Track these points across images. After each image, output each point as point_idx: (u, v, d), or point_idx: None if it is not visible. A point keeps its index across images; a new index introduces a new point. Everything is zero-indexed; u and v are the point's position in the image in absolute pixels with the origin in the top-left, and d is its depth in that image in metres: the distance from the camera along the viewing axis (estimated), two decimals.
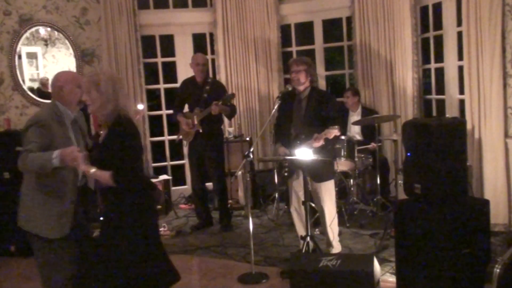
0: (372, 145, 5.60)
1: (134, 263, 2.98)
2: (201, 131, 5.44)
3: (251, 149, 4.33)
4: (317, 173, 4.18)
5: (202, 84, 5.51)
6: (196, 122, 5.42)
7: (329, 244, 4.38)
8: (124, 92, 3.16)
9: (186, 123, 5.49)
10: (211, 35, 6.94)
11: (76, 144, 3.12)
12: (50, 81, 6.41)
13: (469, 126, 4.83)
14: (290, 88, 4.40)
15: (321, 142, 4.02)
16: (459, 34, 5.29)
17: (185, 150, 6.73)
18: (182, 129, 5.62)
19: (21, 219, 3.11)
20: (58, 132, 3.04)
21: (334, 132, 3.98)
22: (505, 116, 4.76)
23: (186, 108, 5.77)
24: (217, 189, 5.64)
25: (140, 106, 5.86)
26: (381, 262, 4.11)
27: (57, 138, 3.01)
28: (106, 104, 2.96)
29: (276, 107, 4.39)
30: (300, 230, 4.40)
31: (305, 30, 7.51)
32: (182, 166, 7.18)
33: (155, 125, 7.28)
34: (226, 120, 6.68)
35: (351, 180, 5.71)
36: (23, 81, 6.29)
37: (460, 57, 5.35)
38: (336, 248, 4.40)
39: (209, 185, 5.91)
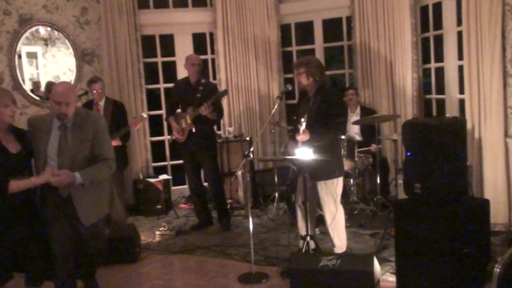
0: (373, 146, 5.60)
1: None
2: (194, 130, 5.44)
3: (251, 149, 4.33)
4: (315, 171, 4.19)
5: (195, 85, 5.50)
6: (189, 121, 5.42)
7: (332, 244, 4.39)
8: None
9: (177, 130, 5.50)
10: (211, 35, 6.94)
11: None
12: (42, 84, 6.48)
13: (469, 126, 4.83)
14: (290, 88, 4.51)
15: (305, 135, 4.08)
16: (459, 34, 5.29)
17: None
18: (175, 131, 5.61)
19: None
20: None
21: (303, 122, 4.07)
22: (505, 116, 4.76)
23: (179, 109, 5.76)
24: (213, 190, 5.63)
25: (144, 114, 5.89)
26: (381, 262, 4.11)
27: None
28: None
29: (276, 106, 4.42)
30: (302, 228, 4.40)
31: (305, 30, 7.51)
32: (182, 166, 7.17)
33: (155, 125, 7.28)
34: (225, 119, 6.69)
35: (351, 180, 5.71)
36: (23, 81, 6.29)
37: (460, 57, 5.35)
38: (339, 247, 4.38)
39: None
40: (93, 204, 3.57)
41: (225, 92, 5.50)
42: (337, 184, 4.27)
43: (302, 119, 4.08)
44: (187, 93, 5.52)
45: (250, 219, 4.21)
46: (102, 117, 3.77)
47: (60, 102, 3.35)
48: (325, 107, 4.21)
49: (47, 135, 3.42)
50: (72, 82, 6.40)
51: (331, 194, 4.29)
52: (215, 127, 5.91)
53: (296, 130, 4.31)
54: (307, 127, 4.11)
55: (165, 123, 7.08)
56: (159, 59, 7.05)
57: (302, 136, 4.09)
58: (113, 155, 3.64)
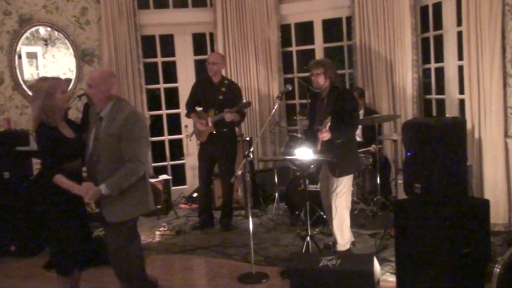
0: (373, 147, 5.60)
1: None
2: (214, 132, 5.43)
3: (251, 149, 4.34)
4: (332, 167, 4.27)
5: (218, 85, 5.48)
6: (210, 124, 5.41)
7: (335, 240, 4.43)
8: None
9: (200, 123, 5.48)
10: (211, 35, 6.94)
11: None
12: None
13: (469, 126, 4.83)
14: (290, 88, 4.59)
15: (327, 134, 4.13)
16: (459, 34, 5.29)
17: (189, 148, 6.80)
18: (196, 127, 5.61)
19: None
20: None
21: (327, 123, 4.12)
22: (505, 116, 4.76)
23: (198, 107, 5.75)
24: (225, 189, 5.65)
25: (147, 116, 5.89)
26: (381, 262, 4.11)
27: None
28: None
29: (276, 106, 4.43)
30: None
31: (305, 30, 7.51)
32: (182, 166, 7.18)
33: (155, 125, 7.28)
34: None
35: None
36: (23, 81, 6.29)
37: (460, 57, 5.35)
38: (341, 244, 4.41)
39: None
40: (117, 201, 3.35)
41: (248, 103, 5.46)
42: (338, 184, 4.29)
43: (326, 120, 4.11)
44: (209, 93, 5.49)
45: (250, 219, 4.21)
46: (135, 113, 3.44)
47: (87, 83, 3.53)
48: (340, 105, 4.27)
49: (93, 123, 3.52)
50: (72, 82, 6.41)
51: (334, 191, 4.32)
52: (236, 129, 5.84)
53: (312, 131, 4.39)
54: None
55: (165, 123, 7.08)
56: (159, 59, 7.05)
57: (324, 135, 4.14)
58: (141, 156, 3.31)
